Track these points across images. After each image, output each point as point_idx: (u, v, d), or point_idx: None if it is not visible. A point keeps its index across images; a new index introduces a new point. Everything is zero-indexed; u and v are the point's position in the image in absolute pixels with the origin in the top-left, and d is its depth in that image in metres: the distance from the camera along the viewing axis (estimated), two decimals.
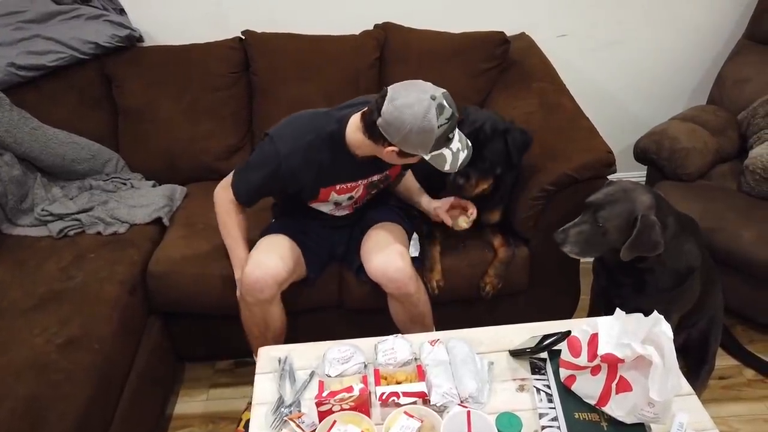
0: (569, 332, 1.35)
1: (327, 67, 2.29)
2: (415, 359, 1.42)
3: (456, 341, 1.45)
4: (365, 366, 1.40)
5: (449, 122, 1.44)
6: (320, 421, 1.25)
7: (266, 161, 1.61)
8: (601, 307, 1.87)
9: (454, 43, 2.32)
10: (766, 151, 2.11)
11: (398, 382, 1.35)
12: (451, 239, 1.93)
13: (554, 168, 1.82)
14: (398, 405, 1.28)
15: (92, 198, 2.14)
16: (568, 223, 1.63)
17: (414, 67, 2.30)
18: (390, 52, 2.34)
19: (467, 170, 1.73)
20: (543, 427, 1.27)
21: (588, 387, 1.29)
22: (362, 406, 1.28)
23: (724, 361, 2.07)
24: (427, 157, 1.48)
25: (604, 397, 1.26)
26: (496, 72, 2.33)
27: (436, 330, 1.79)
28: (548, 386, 1.36)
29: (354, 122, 1.57)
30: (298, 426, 1.26)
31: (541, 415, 1.29)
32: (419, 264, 1.84)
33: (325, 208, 1.79)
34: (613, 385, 1.24)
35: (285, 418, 1.30)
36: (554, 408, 1.31)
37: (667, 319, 1.22)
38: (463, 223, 1.81)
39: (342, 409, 1.25)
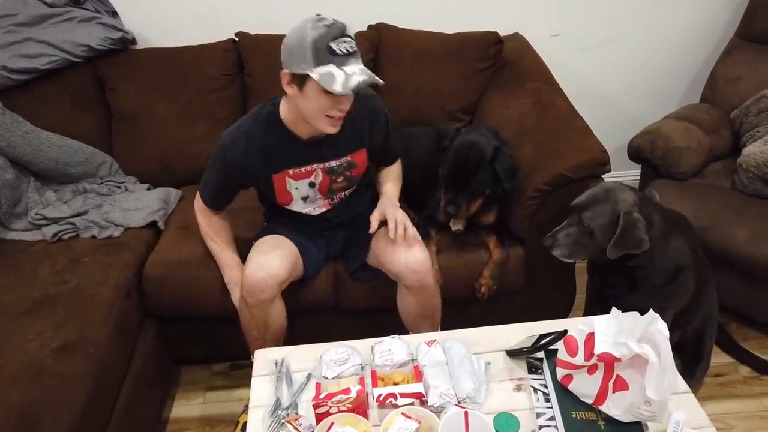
0: (566, 331, 1.36)
1: None
2: (412, 360, 1.42)
3: (453, 342, 1.45)
4: (362, 367, 1.39)
5: (328, 29, 1.42)
6: (318, 424, 1.25)
7: (215, 157, 1.70)
8: (596, 306, 1.88)
9: (447, 43, 2.32)
10: (759, 149, 2.12)
11: (395, 383, 1.35)
12: (448, 239, 1.94)
13: (549, 168, 1.82)
14: (396, 406, 1.28)
15: (86, 201, 2.13)
16: (556, 227, 1.63)
17: (408, 67, 2.30)
18: (384, 52, 2.34)
19: (456, 199, 1.79)
20: (540, 427, 1.27)
21: (585, 386, 1.29)
22: (360, 407, 1.27)
23: (719, 358, 2.08)
24: (315, 76, 1.42)
25: (601, 396, 1.26)
26: (490, 72, 2.33)
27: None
28: (545, 386, 1.36)
29: (283, 97, 1.61)
30: (296, 428, 1.25)
31: (538, 415, 1.30)
32: None
33: (297, 207, 1.78)
34: (610, 384, 1.25)
35: (282, 420, 1.29)
36: (551, 407, 1.31)
37: (663, 316, 1.23)
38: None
39: (339, 411, 1.25)
